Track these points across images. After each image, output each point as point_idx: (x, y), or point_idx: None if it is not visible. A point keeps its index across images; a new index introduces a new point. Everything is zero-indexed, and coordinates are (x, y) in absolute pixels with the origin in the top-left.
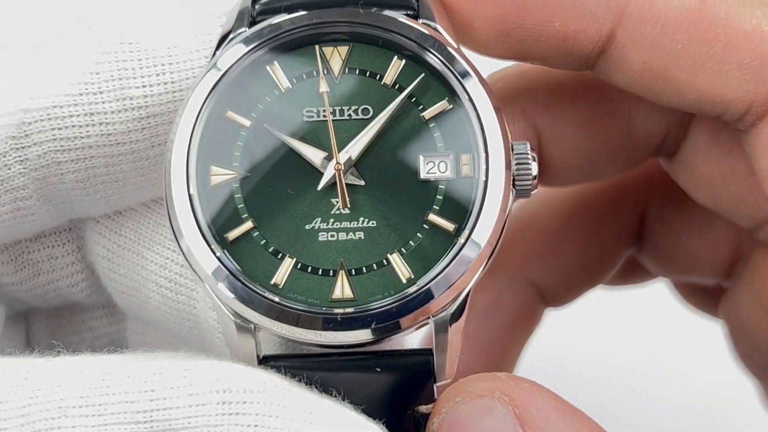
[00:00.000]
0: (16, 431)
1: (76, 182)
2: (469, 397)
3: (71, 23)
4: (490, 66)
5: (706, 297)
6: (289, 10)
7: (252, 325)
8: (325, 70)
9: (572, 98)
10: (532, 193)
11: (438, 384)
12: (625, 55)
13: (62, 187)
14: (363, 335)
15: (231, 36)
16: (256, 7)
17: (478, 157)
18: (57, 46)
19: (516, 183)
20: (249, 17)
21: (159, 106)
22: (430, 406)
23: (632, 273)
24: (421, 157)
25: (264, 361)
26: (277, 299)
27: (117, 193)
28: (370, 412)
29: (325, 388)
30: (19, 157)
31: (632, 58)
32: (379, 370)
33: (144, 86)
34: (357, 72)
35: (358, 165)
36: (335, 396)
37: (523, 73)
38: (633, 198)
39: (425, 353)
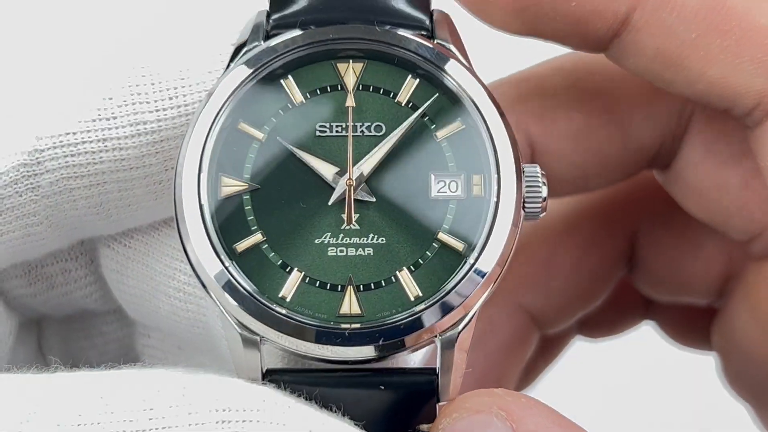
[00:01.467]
0: None
1: (89, 207)
2: (466, 412)
3: (83, 49)
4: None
5: (693, 330)
6: (304, 25)
7: (258, 338)
8: (340, 86)
9: (566, 110)
10: (541, 216)
11: (441, 404)
12: (639, 40)
13: (74, 213)
14: (369, 351)
15: (246, 49)
16: (271, 21)
17: (490, 178)
18: (69, 71)
19: (526, 205)
20: (264, 31)
21: (172, 129)
22: (431, 425)
23: (619, 317)
24: (432, 176)
25: (268, 374)
26: (283, 312)
27: (130, 217)
28: (372, 429)
29: (327, 404)
30: (31, 184)
31: (646, 43)
32: (382, 387)
33: (157, 110)
34: (371, 89)
35: (369, 181)
36: (336, 412)
37: (517, 85)
38: (623, 221)
39: (429, 372)
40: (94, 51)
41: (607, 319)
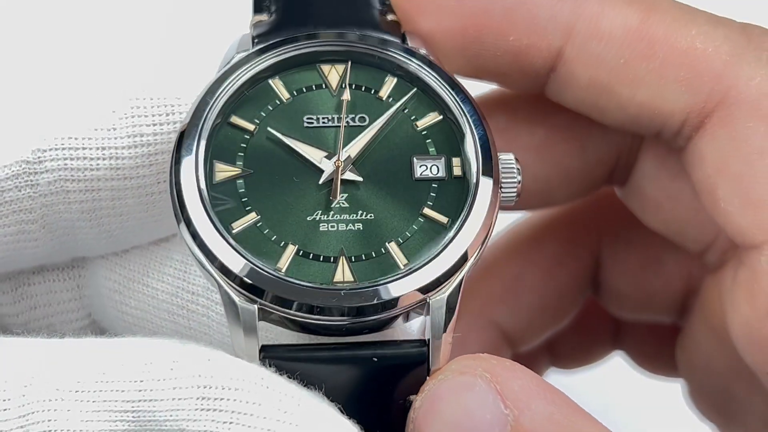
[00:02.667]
0: (15, 412)
1: (82, 213)
2: (451, 374)
3: (95, 64)
4: None
5: (661, 356)
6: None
7: (255, 306)
8: (324, 85)
9: (528, 124)
10: (516, 200)
11: (431, 373)
12: (573, 71)
13: (68, 216)
14: (365, 308)
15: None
16: (255, 42)
17: (469, 161)
18: (77, 84)
19: (503, 189)
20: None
21: (167, 143)
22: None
23: (588, 344)
24: (414, 159)
25: (263, 350)
26: (279, 275)
27: (120, 228)
28: (364, 401)
29: (316, 379)
30: (30, 181)
31: (579, 73)
32: (375, 360)
33: (155, 125)
34: (353, 87)
35: (356, 163)
36: (318, 390)
37: (481, 103)
38: (587, 240)
39: (420, 343)
40: (102, 59)
41: (577, 346)
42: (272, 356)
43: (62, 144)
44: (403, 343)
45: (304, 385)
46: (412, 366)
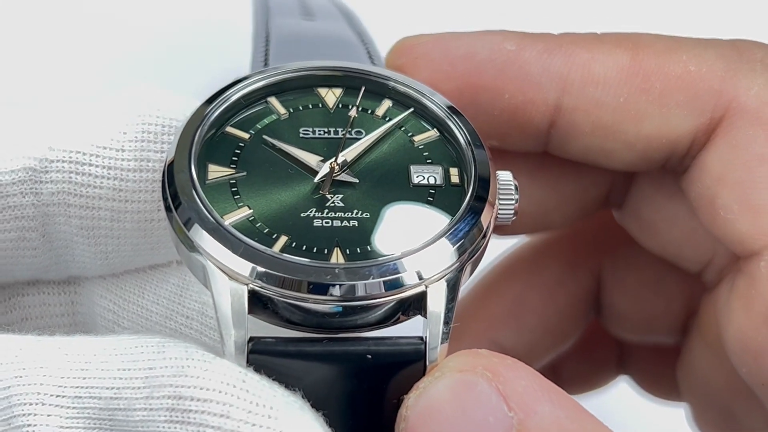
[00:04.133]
0: (1, 413)
1: (80, 229)
2: (449, 371)
3: (112, 88)
4: None
5: (665, 379)
6: None
7: (246, 286)
8: (321, 105)
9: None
10: (513, 219)
11: (430, 365)
12: (574, 120)
13: (66, 229)
14: (360, 287)
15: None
16: None
17: (466, 171)
18: (93, 102)
19: (500, 209)
20: None
21: None
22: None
23: (593, 369)
24: (411, 168)
25: (251, 341)
26: (273, 253)
27: (116, 250)
28: (356, 399)
29: (305, 375)
30: (34, 189)
31: (581, 120)
32: (369, 357)
33: (161, 152)
34: (350, 107)
35: (352, 167)
36: (308, 386)
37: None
38: (588, 261)
39: (416, 340)
40: (122, 90)
41: (582, 370)
42: (260, 350)
43: (69, 157)
44: (399, 339)
45: (290, 384)
46: (407, 363)
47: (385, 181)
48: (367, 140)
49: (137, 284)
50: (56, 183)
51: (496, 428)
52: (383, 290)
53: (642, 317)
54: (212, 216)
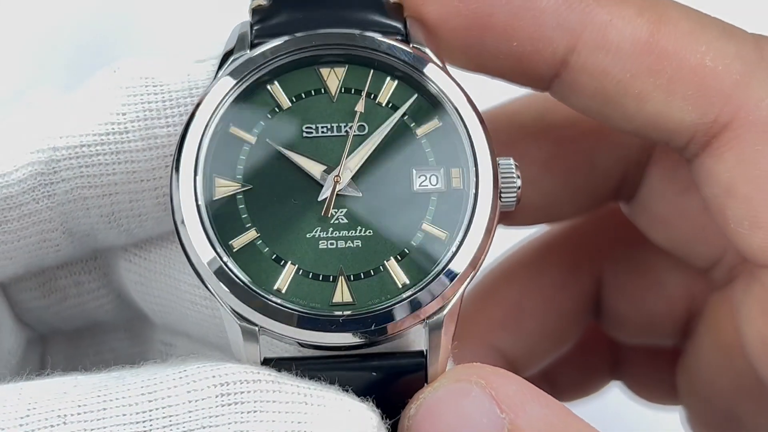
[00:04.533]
0: None
1: (101, 216)
2: (447, 381)
3: (99, 67)
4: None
5: (660, 383)
6: (285, 34)
7: (256, 328)
8: (323, 90)
9: (535, 139)
10: (516, 205)
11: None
12: (578, 80)
13: (87, 221)
14: (362, 336)
15: (233, 57)
16: (254, 31)
17: (467, 171)
18: (85, 87)
19: (502, 195)
20: (249, 40)
21: None
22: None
23: (586, 374)
24: (413, 171)
25: (265, 363)
26: (279, 301)
27: (139, 227)
28: None
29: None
30: (47, 192)
31: (585, 83)
32: (374, 373)
33: (168, 126)
34: (353, 92)
35: (355, 178)
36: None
37: (490, 119)
38: (588, 264)
39: (418, 355)
40: (108, 68)
41: (575, 376)
42: (282, 366)
43: (75, 152)
44: (401, 355)
45: None
46: (409, 377)
47: (387, 191)
48: (371, 142)
49: (163, 254)
50: (68, 181)
51: (490, 428)
52: (385, 334)
53: (642, 320)
54: (217, 253)
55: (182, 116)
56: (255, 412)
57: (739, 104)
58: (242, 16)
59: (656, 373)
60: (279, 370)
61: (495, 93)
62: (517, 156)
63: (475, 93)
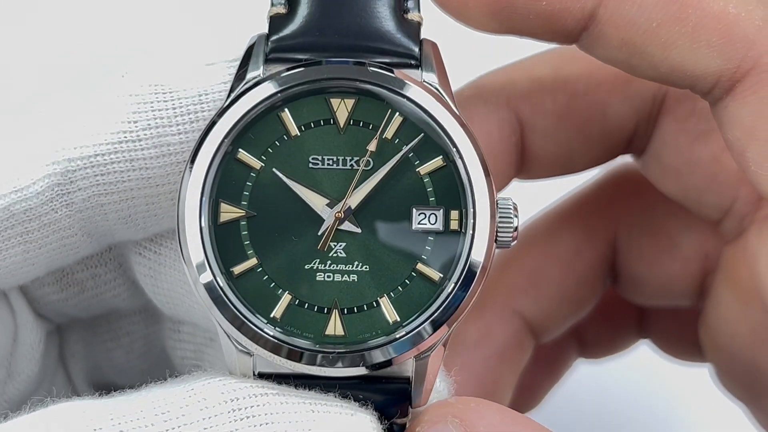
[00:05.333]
0: None
1: (119, 219)
2: (426, 425)
3: (107, 74)
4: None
5: (686, 340)
6: (300, 50)
7: (251, 355)
8: (332, 120)
9: (551, 91)
10: (512, 244)
11: (413, 409)
12: (605, 32)
13: (106, 224)
14: (354, 371)
15: (248, 76)
16: (270, 44)
17: (467, 213)
18: (96, 96)
19: (498, 237)
20: (263, 55)
21: None
22: (405, 418)
23: (613, 333)
24: (413, 210)
25: (259, 377)
26: (272, 334)
27: (156, 225)
28: None
29: None
30: (65, 201)
31: (612, 34)
32: (361, 398)
33: (180, 133)
34: (360, 125)
35: (356, 213)
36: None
37: (508, 72)
38: (602, 229)
39: (404, 381)
40: (117, 75)
41: (602, 335)
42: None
43: (90, 162)
44: (387, 380)
45: None
46: (396, 402)
47: (386, 228)
48: (374, 180)
49: (173, 248)
50: (85, 189)
51: None
52: (375, 370)
53: (659, 282)
54: (215, 277)
55: (193, 123)
56: (267, 424)
57: (763, 49)
58: (243, 18)
59: (681, 331)
60: (279, 383)
61: (512, 49)
62: (533, 108)
63: (491, 49)
